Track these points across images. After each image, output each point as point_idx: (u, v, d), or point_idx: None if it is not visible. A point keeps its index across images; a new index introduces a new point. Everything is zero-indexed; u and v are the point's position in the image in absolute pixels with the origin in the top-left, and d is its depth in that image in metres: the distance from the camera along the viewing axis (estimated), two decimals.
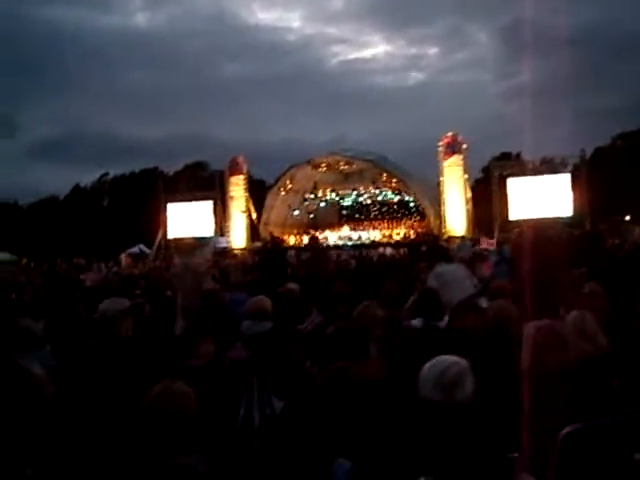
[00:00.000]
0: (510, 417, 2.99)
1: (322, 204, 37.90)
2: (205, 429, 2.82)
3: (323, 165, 33.99)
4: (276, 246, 12.92)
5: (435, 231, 30.25)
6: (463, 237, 25.89)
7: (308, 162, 33.79)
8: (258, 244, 34.25)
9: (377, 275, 10.98)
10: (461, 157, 30.30)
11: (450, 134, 30.66)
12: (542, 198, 29.48)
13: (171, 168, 60.54)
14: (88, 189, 68.39)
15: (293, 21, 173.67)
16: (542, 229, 12.35)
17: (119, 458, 2.59)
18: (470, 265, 9.68)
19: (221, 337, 4.91)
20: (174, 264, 12.12)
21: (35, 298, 10.74)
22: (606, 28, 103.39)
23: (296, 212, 37.06)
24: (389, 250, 25.42)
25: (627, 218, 40.26)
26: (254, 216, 35.32)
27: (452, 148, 30.35)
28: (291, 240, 34.75)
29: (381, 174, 33.64)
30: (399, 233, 34.02)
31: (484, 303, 7.27)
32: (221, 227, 35.16)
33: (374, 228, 35.65)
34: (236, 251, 32.44)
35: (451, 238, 26.06)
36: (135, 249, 34.70)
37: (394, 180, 33.44)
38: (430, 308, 5.40)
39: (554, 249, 9.64)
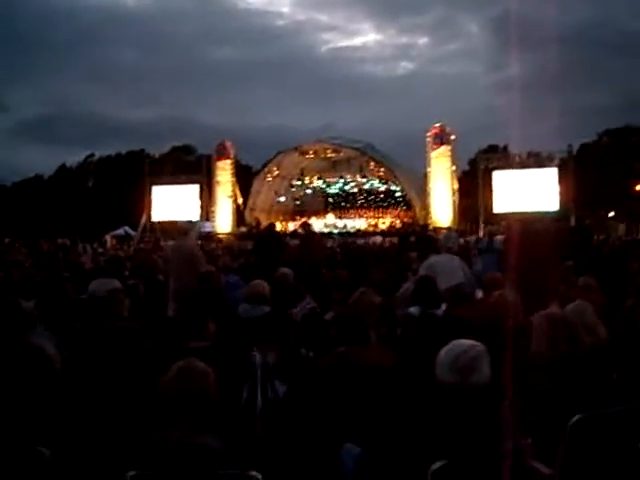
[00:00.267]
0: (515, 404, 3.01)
1: (308, 191, 37.91)
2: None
3: (311, 152, 33.87)
4: (271, 230, 12.81)
5: (421, 221, 30.28)
6: (449, 228, 25.93)
7: (296, 149, 33.69)
8: (243, 229, 34.22)
9: (364, 263, 10.99)
10: (449, 148, 30.26)
11: (438, 125, 30.59)
12: (528, 191, 29.54)
13: (157, 151, 60.25)
14: (74, 169, 67.80)
15: (283, 6, 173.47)
16: (531, 222, 12.42)
17: (133, 436, 2.58)
18: (462, 257, 9.70)
19: (218, 319, 4.91)
20: (166, 246, 12.04)
21: (24, 278, 10.64)
22: (597, 25, 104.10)
23: (282, 198, 37.02)
24: (379, 239, 25.44)
25: (611, 214, 40.69)
26: (240, 201, 35.17)
27: (440, 139, 30.29)
28: (277, 226, 34.63)
29: (368, 163, 33.59)
30: (385, 222, 34.12)
31: (479, 294, 7.36)
32: (207, 211, 34.98)
33: (360, 216, 35.68)
34: (221, 236, 32.33)
35: (437, 229, 26.09)
36: (120, 231, 34.52)
37: (381, 169, 33.43)
38: (427, 296, 5.41)
39: (544, 242, 9.72)
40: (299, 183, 36.68)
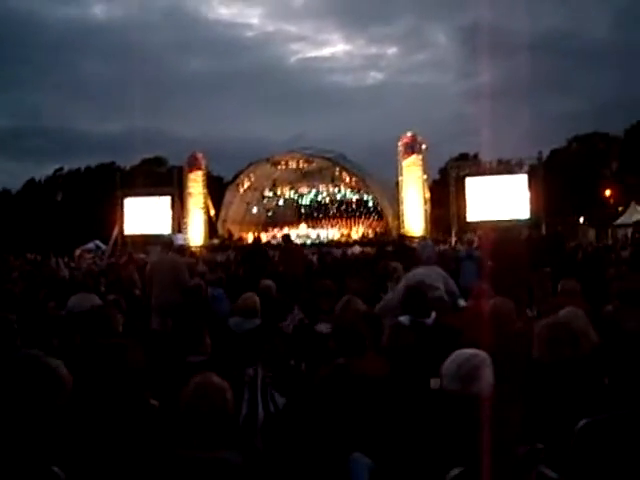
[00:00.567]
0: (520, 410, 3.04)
1: (281, 202, 37.86)
2: None
3: (282, 163, 33.89)
4: (258, 244, 12.82)
5: (394, 231, 30.40)
6: (424, 237, 26.06)
7: (267, 160, 33.70)
8: (216, 241, 34.06)
9: (341, 273, 11.03)
10: (420, 157, 30.41)
11: (409, 134, 30.74)
12: (499, 199, 29.77)
13: (128, 163, 59.77)
14: (42, 183, 66.98)
15: (252, 17, 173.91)
16: (506, 230, 12.58)
17: (151, 454, 2.56)
18: (443, 266, 9.75)
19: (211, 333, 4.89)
20: (141, 260, 11.93)
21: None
22: (566, 35, 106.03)
23: (254, 209, 36.97)
24: (357, 248, 25.48)
25: (581, 220, 41.24)
26: (212, 213, 35.03)
27: (411, 148, 30.43)
28: (249, 238, 34.67)
29: (340, 173, 33.68)
30: (358, 232, 34.21)
31: (462, 303, 7.42)
32: (179, 223, 34.73)
33: (332, 226, 35.71)
34: (193, 248, 32.13)
35: (410, 238, 26.21)
36: (90, 245, 34.15)
37: (353, 179, 33.53)
38: (417, 305, 5.44)
39: (519, 250, 9.85)
40: (271, 194, 36.61)
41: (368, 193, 34.54)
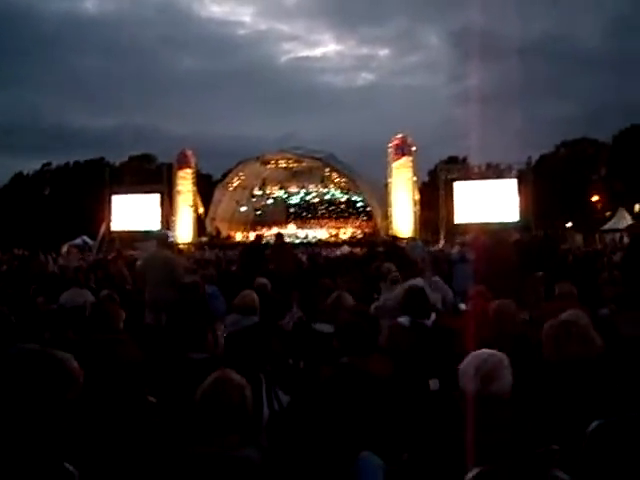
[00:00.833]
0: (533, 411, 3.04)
1: (270, 201, 37.88)
2: None
3: (272, 162, 33.89)
4: (259, 242, 12.77)
5: (382, 232, 30.42)
6: (414, 238, 26.06)
7: (257, 158, 33.67)
8: (204, 239, 33.98)
9: (332, 272, 11.02)
10: (410, 159, 30.46)
11: (400, 136, 30.79)
12: (488, 202, 29.88)
13: (117, 159, 59.52)
14: (30, 177, 66.46)
15: (245, 16, 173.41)
16: (495, 233, 12.56)
17: (171, 452, 2.52)
18: (436, 268, 9.77)
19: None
20: (141, 257, 11.82)
21: None
22: (557, 40, 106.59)
23: (243, 208, 36.95)
24: (346, 248, 25.46)
25: (569, 224, 41.47)
26: (201, 211, 34.95)
27: (401, 150, 30.48)
28: (237, 236, 34.64)
29: (330, 173, 33.74)
30: (346, 232, 34.24)
31: (462, 306, 7.43)
32: (167, 221, 34.59)
33: (321, 227, 35.79)
34: (181, 246, 32.01)
35: (399, 239, 26.21)
36: (78, 240, 33.89)
37: (342, 179, 33.61)
38: (417, 306, 5.42)
39: (509, 253, 9.85)
40: (260, 193, 36.58)
41: (357, 194, 34.61)
